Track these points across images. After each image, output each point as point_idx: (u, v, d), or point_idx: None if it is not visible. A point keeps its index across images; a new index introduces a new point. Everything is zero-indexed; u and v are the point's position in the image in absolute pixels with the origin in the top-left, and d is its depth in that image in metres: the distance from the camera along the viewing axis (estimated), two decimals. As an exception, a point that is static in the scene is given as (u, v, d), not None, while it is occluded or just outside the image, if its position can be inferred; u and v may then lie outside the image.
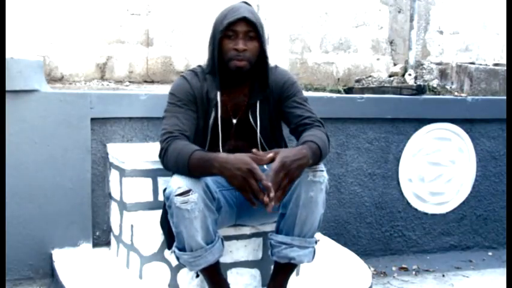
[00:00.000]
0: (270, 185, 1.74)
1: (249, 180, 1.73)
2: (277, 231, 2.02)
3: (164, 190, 1.95)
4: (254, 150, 1.85)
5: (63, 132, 2.54)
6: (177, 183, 1.84)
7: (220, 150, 2.08)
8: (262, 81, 2.09)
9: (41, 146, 2.52)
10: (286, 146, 2.21)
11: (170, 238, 2.02)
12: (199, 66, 2.14)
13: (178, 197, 1.82)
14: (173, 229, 1.92)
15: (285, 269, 2.06)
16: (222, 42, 2.00)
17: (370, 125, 3.05)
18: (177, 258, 2.00)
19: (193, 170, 1.82)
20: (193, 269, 2.00)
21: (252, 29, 1.98)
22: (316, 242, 2.03)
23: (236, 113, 2.11)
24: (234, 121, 2.11)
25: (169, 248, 2.05)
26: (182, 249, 1.94)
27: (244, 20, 1.97)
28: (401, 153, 3.11)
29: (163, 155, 1.92)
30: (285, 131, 2.20)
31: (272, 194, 1.74)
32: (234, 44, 1.98)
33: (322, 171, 1.93)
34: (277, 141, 2.17)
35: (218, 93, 2.06)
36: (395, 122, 3.08)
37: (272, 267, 2.12)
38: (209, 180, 1.90)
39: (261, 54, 2.04)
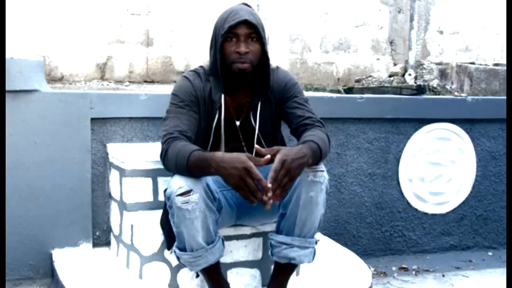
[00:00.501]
0: (269, 186, 1.74)
1: (246, 179, 1.74)
2: (278, 231, 2.02)
3: (165, 190, 1.96)
4: (256, 146, 1.85)
5: (63, 132, 2.54)
6: (178, 183, 1.84)
7: (223, 151, 2.08)
8: (264, 82, 2.09)
9: (41, 146, 2.52)
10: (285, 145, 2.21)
11: (170, 239, 2.02)
12: (201, 66, 2.13)
13: (179, 197, 1.82)
14: (174, 229, 1.92)
15: (285, 269, 2.06)
16: (224, 45, 1.99)
17: (370, 125, 3.04)
18: (178, 258, 2.00)
19: (193, 170, 1.83)
20: (193, 269, 2.00)
21: (253, 31, 1.98)
22: (316, 242, 2.03)
23: (239, 114, 2.11)
24: (238, 123, 2.11)
25: (169, 248, 2.06)
26: (183, 249, 1.94)
27: (245, 22, 1.96)
28: (401, 153, 3.11)
29: (163, 156, 1.92)
30: (285, 131, 2.20)
31: (270, 194, 1.74)
32: (236, 47, 1.97)
33: (323, 171, 1.93)
34: (277, 142, 2.17)
35: (222, 96, 2.06)
36: (395, 122, 3.08)
37: (272, 267, 2.12)
38: (210, 180, 1.90)
39: (263, 56, 2.03)
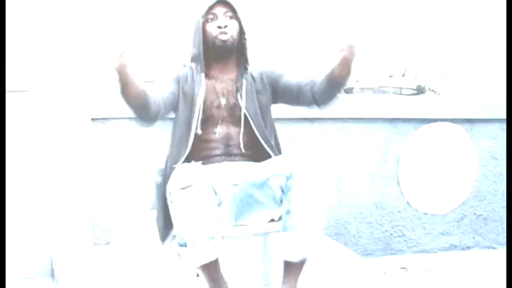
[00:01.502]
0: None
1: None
2: (284, 229, 2.02)
3: (165, 185, 1.97)
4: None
5: (63, 132, 2.54)
6: (180, 177, 1.85)
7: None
8: (243, 56, 2.18)
9: (40, 146, 2.52)
10: (276, 136, 2.23)
11: (164, 230, 2.05)
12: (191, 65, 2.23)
13: (180, 191, 1.83)
14: (174, 224, 1.93)
15: (295, 267, 2.05)
16: (205, 26, 2.12)
17: (370, 125, 3.05)
18: (178, 255, 2.01)
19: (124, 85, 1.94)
20: (193, 265, 2.00)
21: (229, 10, 2.13)
22: (321, 237, 2.05)
23: (225, 97, 2.16)
24: (224, 101, 2.14)
25: (162, 241, 2.09)
26: (183, 245, 1.95)
27: (222, 1, 2.13)
28: (401, 153, 3.11)
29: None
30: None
31: None
32: (216, 24, 2.11)
33: (323, 165, 1.96)
34: (268, 128, 2.19)
35: (202, 75, 2.13)
36: (395, 122, 3.08)
37: (272, 267, 2.12)
38: (211, 174, 1.91)
39: (240, 33, 2.15)
